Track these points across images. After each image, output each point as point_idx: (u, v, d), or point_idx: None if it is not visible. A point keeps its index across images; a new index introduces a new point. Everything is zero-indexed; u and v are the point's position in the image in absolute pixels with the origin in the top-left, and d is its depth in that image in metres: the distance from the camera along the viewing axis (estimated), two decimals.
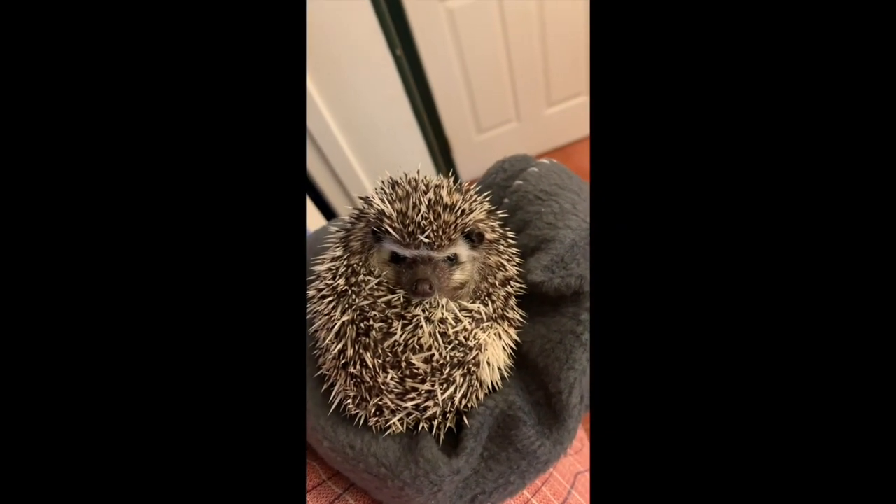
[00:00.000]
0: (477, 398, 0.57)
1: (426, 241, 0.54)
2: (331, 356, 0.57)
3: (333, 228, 0.64)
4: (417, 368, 0.54)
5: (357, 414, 0.56)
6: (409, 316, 0.55)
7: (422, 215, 0.54)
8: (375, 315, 0.55)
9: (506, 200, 0.68)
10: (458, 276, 0.58)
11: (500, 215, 0.65)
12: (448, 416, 0.56)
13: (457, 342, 0.55)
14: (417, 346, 0.54)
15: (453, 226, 0.55)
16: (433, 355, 0.54)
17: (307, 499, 0.61)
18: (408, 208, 0.55)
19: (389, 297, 0.56)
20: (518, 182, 0.68)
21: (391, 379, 0.54)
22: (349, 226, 0.63)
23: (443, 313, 0.55)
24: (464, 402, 0.56)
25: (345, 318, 0.55)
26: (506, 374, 0.59)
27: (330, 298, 0.57)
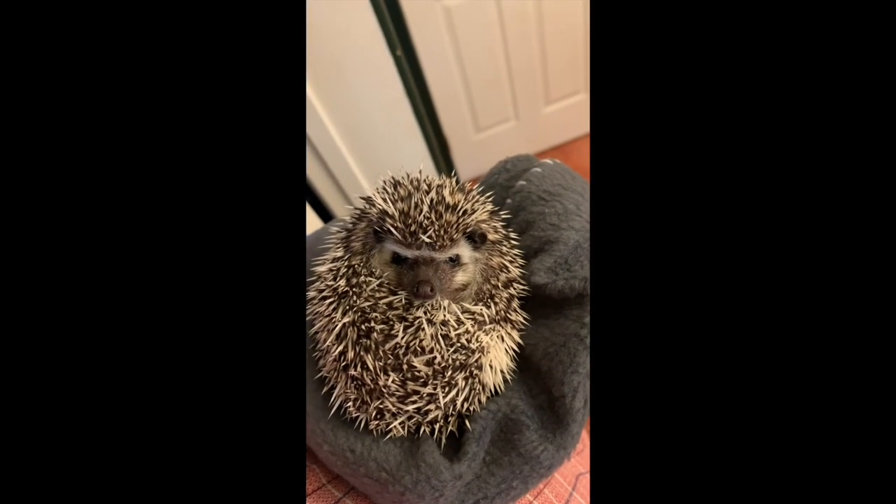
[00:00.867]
0: (479, 401, 0.56)
1: (428, 241, 0.53)
2: (331, 358, 0.56)
3: (334, 229, 0.64)
4: (419, 371, 0.53)
5: (357, 417, 0.55)
6: (410, 318, 0.54)
7: (424, 215, 0.54)
8: (376, 317, 0.54)
9: (508, 201, 0.68)
10: (461, 277, 0.58)
11: (503, 216, 0.64)
12: (450, 419, 0.56)
13: (459, 345, 0.54)
14: (419, 349, 0.53)
15: (455, 226, 0.55)
16: (435, 358, 0.53)
17: (307, 503, 0.60)
18: (410, 208, 0.54)
19: (391, 298, 0.55)
20: (521, 182, 0.67)
21: (392, 382, 0.53)
22: (350, 226, 0.62)
23: (445, 315, 0.54)
24: (466, 405, 0.55)
25: (345, 319, 0.55)
26: (508, 377, 0.58)
27: (331, 300, 0.57)
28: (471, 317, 0.56)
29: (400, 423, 0.54)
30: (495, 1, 2.38)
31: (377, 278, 0.57)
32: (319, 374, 0.59)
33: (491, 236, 0.59)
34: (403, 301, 0.55)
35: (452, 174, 0.63)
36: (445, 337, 0.54)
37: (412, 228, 0.54)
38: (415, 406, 0.54)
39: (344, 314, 0.55)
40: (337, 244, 0.62)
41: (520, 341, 0.59)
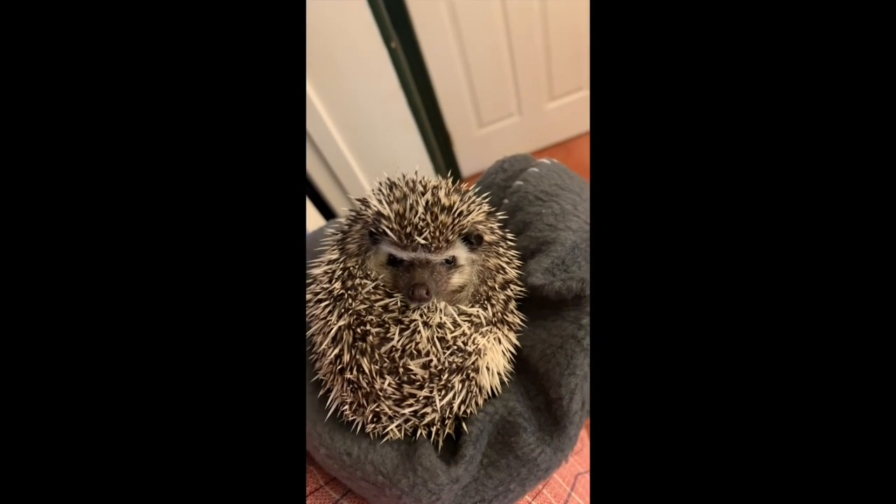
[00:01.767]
0: (476, 404, 0.56)
1: (423, 243, 0.53)
2: (327, 361, 0.56)
3: (330, 231, 0.63)
4: (415, 374, 0.53)
5: (354, 420, 0.55)
6: (406, 321, 0.54)
7: (419, 217, 0.53)
8: (372, 319, 0.54)
9: (505, 201, 0.67)
10: (457, 279, 0.57)
11: (500, 217, 0.64)
12: (447, 422, 0.55)
13: (455, 347, 0.54)
14: (415, 352, 0.53)
15: (451, 227, 0.54)
16: (431, 361, 0.53)
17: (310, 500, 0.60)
18: (405, 210, 0.54)
19: (387, 300, 0.55)
20: (518, 182, 0.66)
21: (388, 385, 0.53)
22: (346, 228, 0.62)
23: (441, 318, 0.54)
24: (463, 407, 0.55)
25: (341, 322, 0.54)
26: (505, 379, 0.58)
27: (326, 302, 0.56)
28: (467, 319, 0.55)
29: (396, 426, 0.54)
30: None
31: (373, 281, 0.56)
32: (316, 377, 0.59)
33: (487, 237, 0.59)
34: (399, 304, 0.54)
35: (449, 174, 0.62)
36: (442, 340, 0.53)
37: (407, 230, 0.53)
38: (411, 409, 0.53)
39: (339, 317, 0.55)
40: (332, 246, 0.61)
41: (517, 343, 0.59)
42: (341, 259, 0.59)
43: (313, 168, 2.33)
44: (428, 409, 0.54)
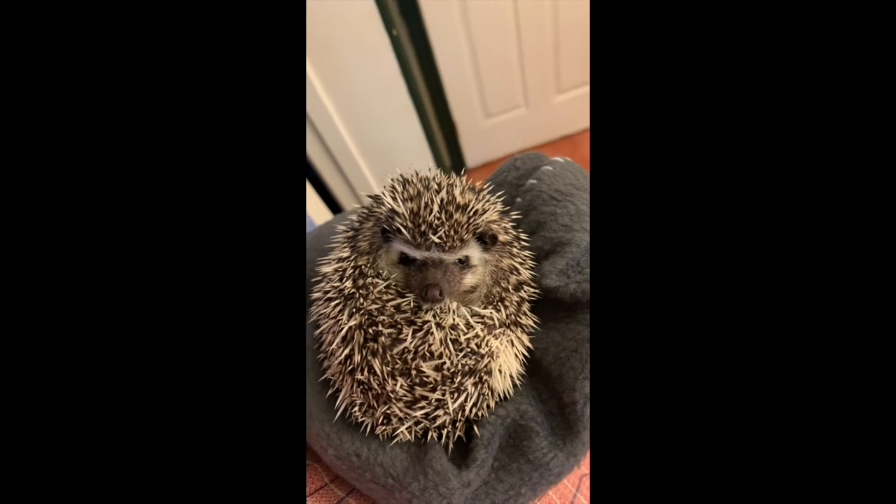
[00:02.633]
0: (488, 406, 0.55)
1: (437, 241, 0.52)
2: (337, 361, 0.55)
3: (341, 227, 0.62)
4: (427, 376, 0.52)
5: (363, 421, 0.54)
6: (419, 322, 0.53)
7: (434, 215, 0.52)
8: (384, 320, 0.53)
9: (518, 200, 0.66)
10: (470, 279, 0.56)
11: (513, 216, 0.63)
12: (458, 424, 0.55)
13: (468, 349, 0.53)
14: (428, 354, 0.52)
15: (465, 227, 0.53)
16: (444, 363, 0.52)
17: (309, 502, 0.59)
18: (420, 207, 0.53)
19: (399, 301, 0.54)
20: (531, 181, 0.65)
21: (400, 387, 0.52)
22: (357, 225, 0.61)
23: (454, 319, 0.53)
24: (474, 410, 0.54)
25: (352, 322, 0.53)
26: (518, 382, 0.57)
27: (336, 301, 0.55)
28: (480, 320, 0.54)
29: (407, 428, 0.53)
30: None
31: (384, 280, 0.55)
32: (324, 377, 0.58)
33: (501, 237, 0.58)
34: (412, 304, 0.53)
35: (462, 172, 0.61)
36: (455, 342, 0.52)
37: (422, 228, 0.52)
38: (423, 412, 0.53)
39: (350, 317, 0.54)
40: (343, 243, 0.60)
41: (530, 345, 0.58)
42: (352, 257, 0.57)
43: (312, 152, 2.32)
44: (439, 412, 0.53)
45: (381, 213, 0.56)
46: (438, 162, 2.31)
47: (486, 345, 0.53)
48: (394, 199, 0.55)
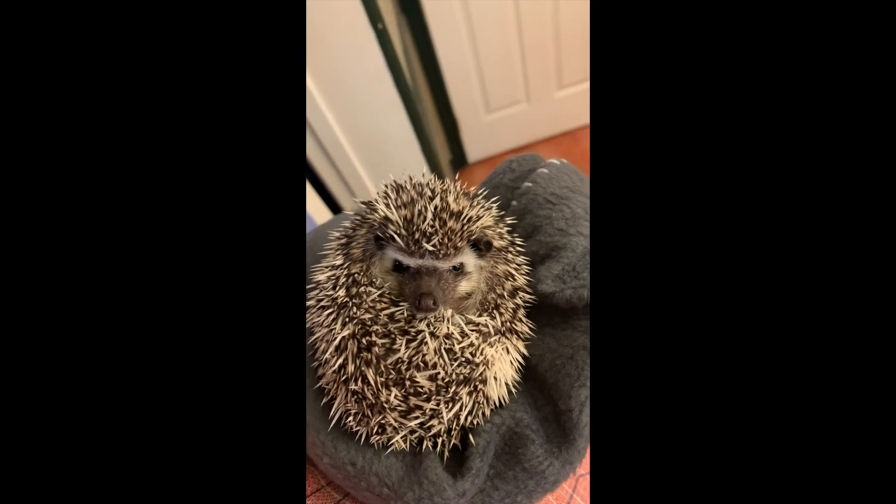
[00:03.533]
0: (483, 414, 0.55)
1: (431, 249, 0.51)
2: (331, 370, 0.54)
3: (334, 235, 0.61)
4: (422, 386, 0.51)
5: (358, 430, 0.54)
6: (413, 331, 0.52)
7: (427, 223, 0.52)
8: (377, 330, 0.52)
9: (514, 203, 0.65)
10: (464, 286, 0.56)
11: (509, 221, 0.62)
12: (453, 432, 0.54)
13: (463, 359, 0.52)
14: (422, 364, 0.51)
15: (459, 234, 0.53)
16: (438, 373, 0.51)
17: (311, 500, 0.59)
18: (413, 215, 0.52)
19: (392, 310, 0.53)
20: (527, 184, 0.65)
21: (394, 397, 0.51)
22: (350, 232, 0.60)
23: (449, 328, 0.52)
24: (470, 418, 0.54)
25: (345, 332, 0.53)
26: (513, 389, 0.56)
27: (330, 310, 0.55)
28: (475, 328, 0.54)
29: (402, 437, 0.53)
30: None
31: (378, 288, 0.55)
32: (319, 385, 0.57)
33: (496, 243, 0.57)
34: (405, 313, 0.53)
35: (456, 177, 0.60)
36: (449, 351, 0.52)
37: (416, 236, 0.52)
38: (417, 421, 0.52)
39: (343, 326, 0.53)
40: (336, 251, 0.60)
41: (525, 352, 0.57)
42: (345, 265, 0.57)
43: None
44: (434, 421, 0.52)
45: (375, 220, 0.56)
46: (429, 154, 2.28)
47: (481, 353, 0.53)
48: (387, 205, 0.54)
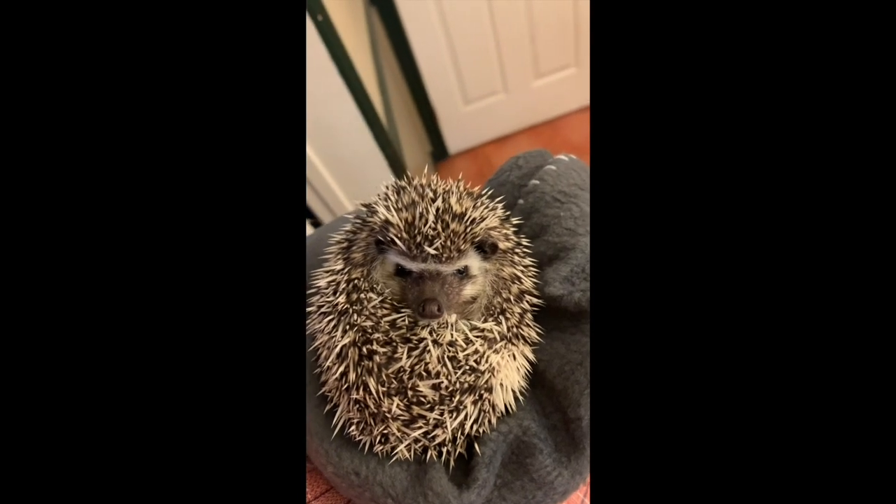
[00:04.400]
0: (489, 422, 0.53)
1: (434, 253, 0.50)
2: (333, 377, 0.53)
3: (334, 238, 0.60)
4: (424, 396, 0.50)
5: (361, 440, 0.53)
6: (415, 339, 0.50)
7: (429, 226, 0.50)
8: (379, 338, 0.51)
9: (520, 202, 0.63)
10: (469, 290, 0.54)
11: (515, 222, 0.60)
12: (458, 441, 0.53)
13: (467, 367, 0.51)
14: (424, 373, 0.50)
15: (463, 236, 0.51)
16: (441, 382, 0.50)
17: None
18: (414, 218, 0.50)
19: (394, 316, 0.52)
20: (534, 182, 0.62)
21: (396, 406, 0.50)
22: (351, 235, 0.58)
23: (452, 335, 0.51)
24: (475, 427, 0.52)
25: (345, 340, 0.51)
26: (520, 396, 0.55)
27: (330, 317, 0.53)
28: (480, 334, 0.52)
29: (406, 447, 0.52)
30: None
31: (379, 294, 0.53)
32: (322, 391, 0.56)
33: (502, 245, 0.55)
34: (407, 320, 0.51)
35: (459, 177, 0.58)
36: (453, 359, 0.50)
37: (417, 240, 0.50)
38: (420, 431, 0.51)
39: (344, 333, 0.52)
40: (336, 255, 0.58)
41: (533, 358, 0.56)
42: (346, 269, 0.55)
43: None
44: (438, 431, 0.51)
45: (375, 223, 0.54)
46: (384, 143, 2.23)
47: (486, 361, 0.51)
48: (387, 208, 0.52)
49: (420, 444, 0.52)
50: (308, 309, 0.57)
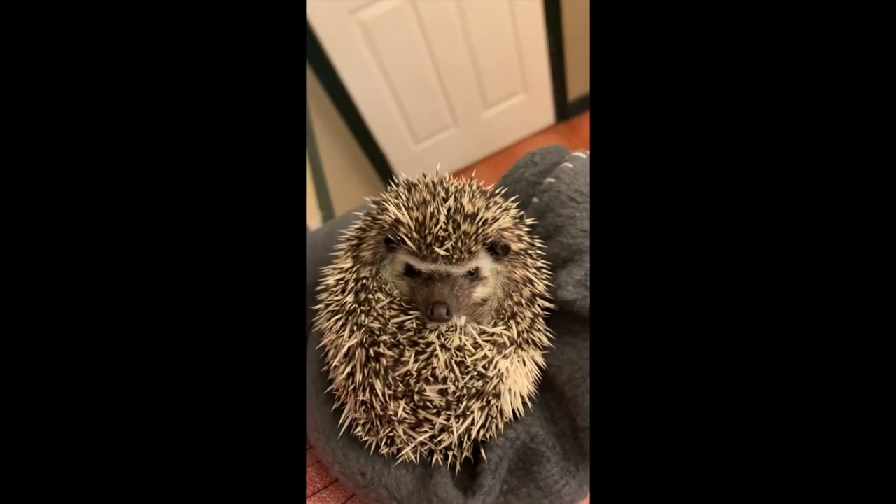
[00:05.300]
0: (497, 427, 0.52)
1: (444, 254, 0.48)
2: (340, 376, 0.52)
3: (344, 237, 0.58)
4: (431, 400, 0.49)
5: (367, 440, 0.52)
6: (422, 343, 0.49)
7: (440, 226, 0.48)
8: (386, 340, 0.50)
9: (535, 200, 0.61)
10: (480, 292, 0.53)
11: (529, 223, 0.58)
12: (464, 445, 0.52)
13: (475, 372, 0.49)
14: (431, 377, 0.49)
15: (474, 237, 0.49)
16: (449, 388, 0.49)
17: (323, 495, 0.59)
18: (425, 217, 0.49)
19: (402, 318, 0.51)
20: (550, 180, 0.60)
21: (402, 410, 0.49)
22: (361, 233, 0.57)
23: (461, 339, 0.50)
24: (482, 432, 0.51)
25: (352, 341, 0.50)
26: (528, 401, 0.54)
27: (338, 316, 0.52)
28: (489, 339, 0.51)
29: (412, 449, 0.51)
30: (413, 10, 2.26)
31: (387, 294, 0.52)
32: (329, 390, 0.56)
33: (514, 246, 0.53)
34: (415, 323, 0.50)
35: (473, 175, 0.57)
36: (461, 364, 0.49)
37: (428, 240, 0.49)
38: (426, 435, 0.50)
39: (351, 334, 0.51)
40: (346, 252, 0.56)
41: (543, 364, 0.54)
42: (355, 268, 0.54)
43: None
44: (444, 435, 0.50)
45: (385, 222, 0.52)
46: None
47: (495, 367, 0.50)
48: (398, 206, 0.51)
49: (426, 448, 0.51)
50: (316, 307, 0.56)
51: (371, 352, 0.49)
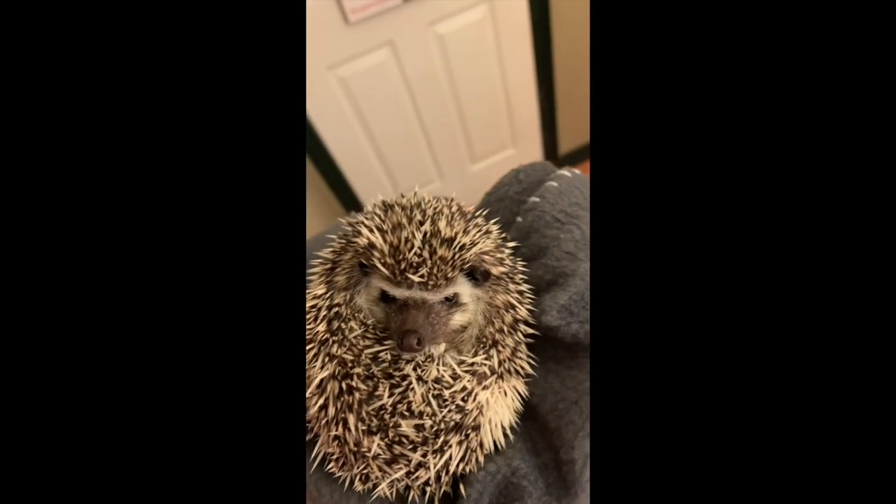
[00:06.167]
0: (476, 461, 0.50)
1: (419, 280, 0.46)
2: (312, 409, 0.50)
3: (317, 260, 0.56)
4: (407, 435, 0.47)
5: (340, 476, 0.50)
6: (398, 375, 0.47)
7: (415, 252, 0.46)
8: (359, 372, 0.47)
9: (519, 219, 0.59)
10: (459, 318, 0.50)
11: (511, 245, 0.56)
12: (442, 479, 0.50)
13: (454, 405, 0.47)
14: (407, 412, 0.47)
15: (452, 262, 0.47)
16: (425, 423, 0.47)
17: None
18: (400, 242, 0.47)
19: (376, 349, 0.48)
20: (534, 199, 0.58)
21: (377, 446, 0.47)
22: (335, 256, 0.54)
23: (438, 371, 0.47)
24: (461, 466, 0.49)
25: (324, 373, 0.48)
26: (509, 432, 0.51)
27: (310, 346, 0.50)
28: (469, 369, 0.49)
29: (387, 485, 0.49)
30: (397, 66, 2.29)
31: (362, 323, 0.50)
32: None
33: (495, 271, 0.51)
34: (390, 354, 0.48)
35: (453, 196, 0.55)
36: (438, 396, 0.47)
37: (402, 266, 0.46)
38: (402, 472, 0.48)
39: (323, 365, 0.48)
40: (319, 277, 0.54)
41: (525, 393, 0.52)
42: (328, 294, 0.51)
43: None
44: (421, 471, 0.48)
45: (359, 245, 0.50)
46: None
47: (474, 399, 0.48)
48: (371, 230, 0.49)
49: (402, 483, 0.49)
50: None
51: (343, 385, 0.47)
